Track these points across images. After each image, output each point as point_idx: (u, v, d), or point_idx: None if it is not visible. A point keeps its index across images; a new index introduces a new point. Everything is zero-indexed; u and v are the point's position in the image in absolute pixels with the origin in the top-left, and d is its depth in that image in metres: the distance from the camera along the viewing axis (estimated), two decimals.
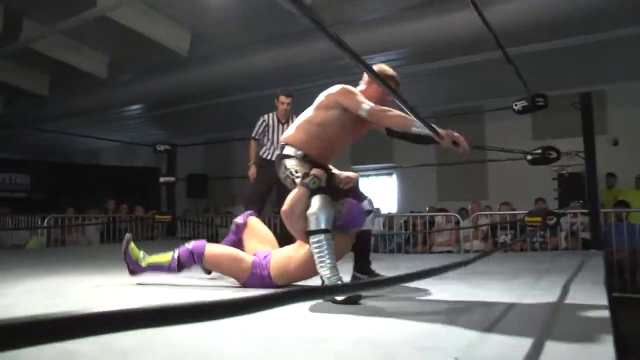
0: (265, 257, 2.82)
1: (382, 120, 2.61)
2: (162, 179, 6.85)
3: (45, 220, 7.47)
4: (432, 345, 1.58)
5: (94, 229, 8.11)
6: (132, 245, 2.91)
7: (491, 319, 1.90)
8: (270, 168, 2.84)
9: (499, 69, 5.70)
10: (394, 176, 10.88)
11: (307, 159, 2.70)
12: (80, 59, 8.55)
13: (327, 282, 2.41)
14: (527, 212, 5.05)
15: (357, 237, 2.85)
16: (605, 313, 1.95)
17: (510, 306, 2.14)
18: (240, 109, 10.30)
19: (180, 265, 2.84)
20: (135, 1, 6.39)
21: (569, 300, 2.27)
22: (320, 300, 2.32)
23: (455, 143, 2.49)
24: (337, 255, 2.75)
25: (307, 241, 2.53)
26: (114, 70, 9.00)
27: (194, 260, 2.83)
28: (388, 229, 7.69)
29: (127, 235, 2.96)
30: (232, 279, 2.97)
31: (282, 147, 2.76)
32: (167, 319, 0.68)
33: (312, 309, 2.19)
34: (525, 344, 1.51)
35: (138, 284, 3.00)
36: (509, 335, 1.65)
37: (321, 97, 2.75)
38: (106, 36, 7.94)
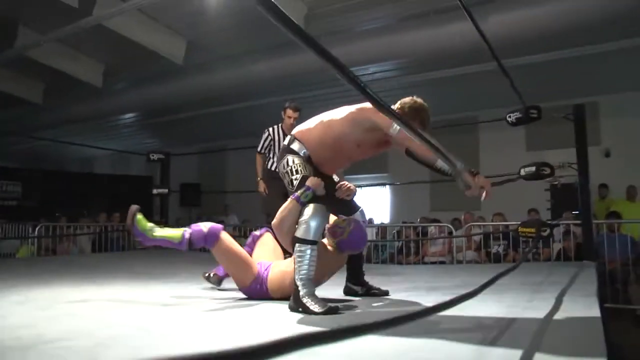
0: (266, 269, 2.81)
1: (409, 145, 2.55)
2: (155, 190, 6.82)
3: (37, 229, 7.41)
4: (424, 357, 1.57)
5: (86, 238, 8.05)
6: (140, 216, 2.75)
7: (484, 331, 1.89)
8: (280, 179, 2.80)
9: (493, 80, 5.75)
10: (387, 187, 10.89)
11: (310, 161, 2.67)
12: (75, 67, 8.54)
13: (300, 293, 2.39)
14: (520, 222, 5.06)
15: None
16: (598, 326, 1.95)
17: (504, 319, 2.14)
18: (234, 118, 10.32)
19: (190, 244, 2.73)
20: (131, 10, 6.38)
21: (562, 312, 2.26)
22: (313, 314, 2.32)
23: (481, 186, 2.44)
24: (331, 271, 2.75)
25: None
26: (109, 79, 9.00)
27: (205, 241, 2.72)
28: (381, 239, 7.68)
29: (134, 207, 2.77)
30: (225, 286, 2.97)
31: (292, 140, 2.70)
32: None
33: (300, 322, 2.18)
34: (517, 357, 1.51)
35: (128, 294, 2.98)
36: (502, 348, 1.64)
37: (352, 109, 2.64)
38: (102, 44, 7.94)
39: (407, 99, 2.69)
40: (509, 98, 4.78)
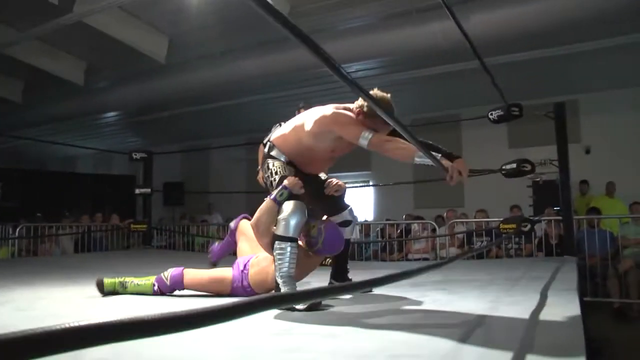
0: (244, 266, 2.81)
1: (382, 152, 2.50)
2: (137, 190, 6.77)
3: (17, 230, 7.30)
4: (407, 354, 1.58)
5: (68, 239, 7.95)
6: (106, 282, 2.87)
7: (466, 326, 1.91)
8: None
9: (475, 78, 5.81)
10: (371, 183, 10.92)
11: (292, 164, 2.70)
12: (56, 65, 8.42)
13: (282, 290, 2.40)
14: (502, 219, 5.12)
15: None
16: (578, 319, 1.98)
17: (486, 314, 2.16)
18: (217, 117, 10.27)
19: (162, 293, 2.82)
20: (112, 7, 6.32)
21: (543, 306, 2.30)
22: (296, 311, 2.32)
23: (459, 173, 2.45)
24: (304, 272, 2.76)
25: (271, 252, 2.51)
26: (91, 77, 8.89)
27: (175, 289, 2.82)
28: (364, 236, 7.71)
29: (96, 281, 2.88)
30: None
31: (271, 147, 2.73)
32: (138, 331, 0.67)
33: (286, 318, 2.18)
34: (499, 351, 1.53)
35: (111, 296, 2.95)
36: (483, 343, 1.66)
37: (312, 121, 2.58)
38: (83, 42, 7.84)
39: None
40: (491, 96, 4.84)
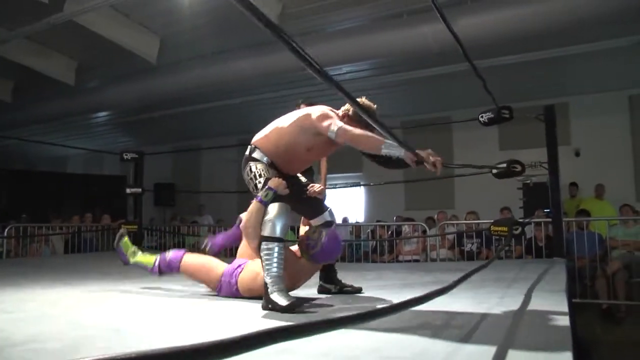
0: (239, 266, 2.82)
1: (348, 141, 2.57)
2: (128, 190, 6.73)
3: (5, 231, 7.22)
4: (398, 355, 1.59)
5: (58, 239, 7.89)
6: (126, 239, 3.17)
7: (456, 327, 1.93)
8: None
9: (466, 81, 5.83)
10: (362, 186, 10.94)
11: (274, 166, 2.72)
12: (46, 65, 8.36)
13: (270, 290, 2.40)
14: (492, 221, 5.14)
15: None
16: (566, 320, 2.00)
17: (476, 315, 2.18)
18: (209, 117, 10.25)
19: (160, 271, 2.98)
20: (103, 7, 6.28)
21: (532, 308, 2.32)
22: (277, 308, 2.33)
23: (433, 164, 2.47)
24: (305, 278, 2.77)
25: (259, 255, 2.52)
26: (81, 77, 8.83)
27: (172, 270, 2.95)
28: (355, 237, 7.72)
29: (122, 231, 3.21)
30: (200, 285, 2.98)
31: (252, 149, 2.75)
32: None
33: (275, 318, 2.19)
34: (488, 352, 1.54)
35: (100, 293, 2.94)
36: (473, 343, 1.67)
37: (299, 115, 2.71)
38: (74, 41, 7.78)
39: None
40: (482, 98, 4.86)
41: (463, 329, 1.90)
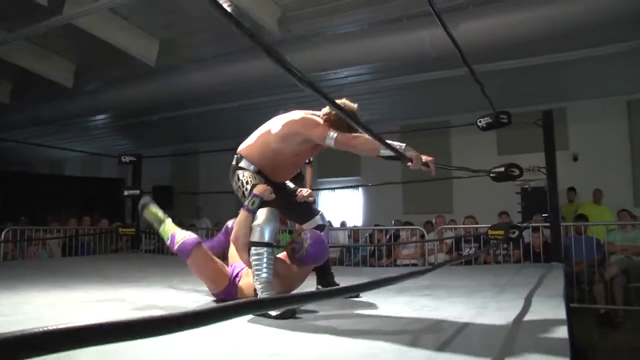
0: (239, 272, 2.81)
1: (349, 149, 2.60)
2: (126, 192, 6.72)
3: (2, 233, 7.21)
4: (393, 359, 1.59)
5: (56, 242, 7.87)
6: (152, 209, 2.90)
7: (453, 332, 1.92)
8: None
9: (465, 85, 5.84)
10: (360, 189, 10.95)
11: (261, 174, 2.72)
12: (45, 67, 8.36)
13: (259, 296, 2.40)
14: (490, 225, 5.14)
15: None
16: (564, 326, 2.00)
17: (472, 320, 2.17)
18: (207, 121, 10.26)
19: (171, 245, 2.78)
20: (102, 10, 6.29)
21: (530, 313, 2.31)
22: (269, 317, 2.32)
23: (425, 164, 2.53)
24: (297, 284, 2.76)
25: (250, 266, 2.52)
26: (80, 79, 8.83)
27: (181, 253, 2.72)
28: (353, 241, 7.71)
29: (143, 201, 2.95)
30: (196, 288, 2.95)
31: (239, 159, 2.76)
32: (117, 334, 0.67)
33: (271, 324, 2.18)
34: (484, 358, 1.54)
35: (97, 299, 2.94)
36: (469, 349, 1.67)
37: (281, 124, 2.68)
38: (72, 44, 7.79)
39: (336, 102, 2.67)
40: (480, 103, 4.86)
41: (459, 334, 1.90)
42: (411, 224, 7.41)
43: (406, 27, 6.35)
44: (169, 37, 7.50)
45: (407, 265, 6.45)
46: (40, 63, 8.26)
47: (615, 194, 7.96)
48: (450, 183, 9.39)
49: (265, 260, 2.43)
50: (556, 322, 2.06)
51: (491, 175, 4.72)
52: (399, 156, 2.43)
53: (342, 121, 2.57)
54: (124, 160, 6.71)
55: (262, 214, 2.48)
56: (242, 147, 2.80)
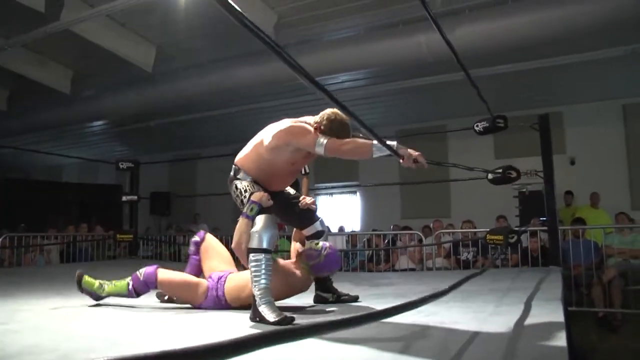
0: (219, 278, 2.81)
1: (340, 155, 2.60)
2: (124, 197, 6.72)
3: (0, 240, 7.18)
4: None
5: (55, 249, 7.85)
6: (86, 278, 2.93)
7: (451, 337, 1.92)
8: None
9: (461, 90, 5.86)
10: (358, 194, 10.96)
11: (258, 184, 2.71)
12: (42, 73, 8.35)
13: (258, 302, 2.40)
14: (488, 230, 5.15)
15: None
16: (562, 329, 1.99)
17: (471, 324, 2.17)
18: (205, 127, 10.26)
19: (137, 292, 2.86)
20: (99, 16, 6.29)
21: (528, 317, 2.31)
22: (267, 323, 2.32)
23: (414, 161, 2.55)
24: (295, 292, 2.78)
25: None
26: (77, 85, 8.83)
27: (148, 287, 2.84)
28: (351, 247, 7.70)
29: (77, 273, 2.95)
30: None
31: (236, 170, 2.76)
32: None
33: (262, 329, 2.17)
34: None
35: (95, 305, 2.93)
36: (468, 354, 1.67)
37: (270, 136, 2.65)
38: (70, 50, 7.79)
39: (327, 111, 2.67)
40: (477, 107, 4.88)
41: (459, 339, 1.90)
42: (410, 229, 7.42)
43: (403, 32, 6.37)
44: (166, 43, 7.50)
45: (405, 270, 6.45)
46: (38, 69, 8.24)
47: (612, 197, 7.98)
48: (447, 187, 9.40)
49: (263, 266, 2.43)
50: (555, 326, 2.06)
51: (489, 177, 4.73)
52: (392, 153, 2.46)
53: (333, 129, 2.58)
54: (121, 166, 6.71)
55: (260, 220, 2.48)
56: (239, 158, 2.80)
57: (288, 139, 2.61)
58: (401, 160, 2.53)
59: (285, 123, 2.68)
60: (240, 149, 2.85)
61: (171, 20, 6.61)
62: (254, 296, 2.43)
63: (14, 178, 13.16)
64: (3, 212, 10.40)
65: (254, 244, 2.45)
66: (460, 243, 6.57)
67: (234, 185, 2.72)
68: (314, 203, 3.00)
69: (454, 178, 7.42)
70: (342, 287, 3.13)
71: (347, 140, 2.57)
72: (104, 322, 2.49)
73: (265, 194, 2.56)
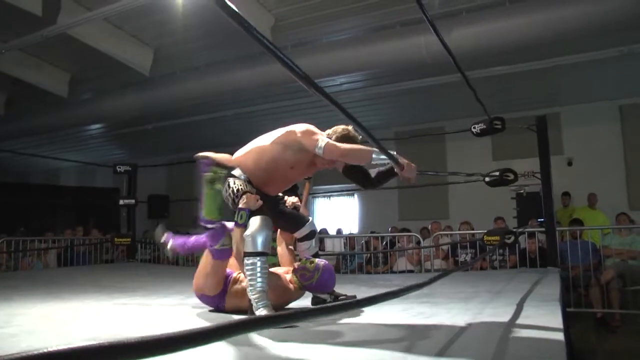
0: (227, 278, 2.79)
1: (339, 157, 2.59)
2: (121, 201, 6.71)
3: None
4: None
5: (53, 253, 7.83)
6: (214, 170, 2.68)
7: (450, 339, 1.92)
8: None
9: (459, 91, 5.86)
10: (356, 196, 10.95)
11: (251, 184, 2.69)
12: (39, 77, 8.34)
13: (254, 306, 2.39)
14: (486, 231, 5.15)
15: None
16: (560, 330, 2.00)
17: (469, 326, 2.17)
18: (203, 129, 10.25)
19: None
20: (96, 19, 6.28)
21: (527, 318, 2.31)
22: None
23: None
24: (289, 303, 2.77)
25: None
26: (74, 89, 8.82)
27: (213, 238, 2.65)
28: (349, 249, 7.69)
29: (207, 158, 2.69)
30: (191, 299, 2.94)
31: (232, 167, 2.75)
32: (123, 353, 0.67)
33: (267, 334, 2.17)
34: None
35: (92, 308, 2.92)
36: (466, 355, 1.67)
37: (281, 132, 2.68)
38: (67, 54, 7.78)
39: (340, 127, 2.74)
40: (474, 109, 4.89)
41: (457, 340, 1.90)
42: (409, 231, 7.41)
43: (400, 33, 6.38)
44: (164, 46, 7.50)
45: (403, 272, 6.44)
46: (35, 73, 8.23)
47: (610, 198, 7.99)
48: (445, 189, 9.41)
49: (259, 269, 2.40)
50: (553, 327, 2.06)
51: (486, 180, 4.74)
52: (392, 161, 2.49)
53: (344, 140, 2.63)
54: (119, 169, 6.70)
55: (253, 223, 2.46)
56: (236, 156, 2.79)
57: (296, 135, 2.61)
58: (400, 172, 2.57)
59: (301, 124, 2.69)
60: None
61: (168, 23, 6.61)
62: (249, 301, 2.41)
63: (12, 182, 13.14)
64: (1, 216, 10.39)
65: (248, 247, 2.43)
66: (459, 245, 6.57)
67: (227, 183, 2.66)
68: (298, 202, 3.01)
69: (451, 180, 7.42)
70: (340, 289, 3.12)
71: (347, 152, 2.57)
72: (101, 326, 2.48)
73: (253, 196, 2.52)
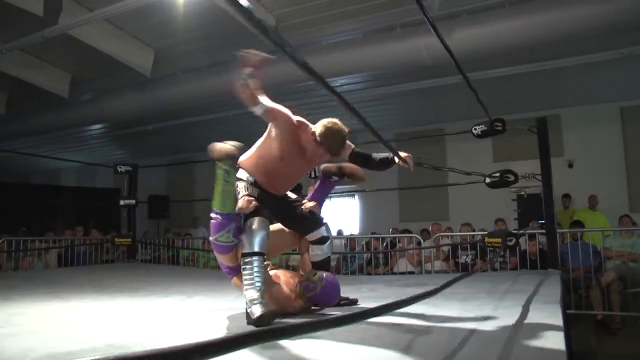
0: None
1: (242, 96, 2.70)
2: (122, 202, 6.70)
3: None
4: None
5: (54, 253, 7.83)
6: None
7: (450, 340, 1.92)
8: None
9: (460, 93, 5.87)
10: (356, 197, 10.95)
11: (256, 185, 2.70)
12: (40, 77, 8.34)
13: (251, 305, 2.38)
14: (487, 233, 5.15)
15: (317, 263, 2.89)
16: (560, 332, 1.99)
17: (469, 327, 2.17)
18: (203, 130, 10.25)
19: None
20: (98, 20, 6.29)
21: (527, 320, 2.31)
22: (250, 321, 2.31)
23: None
24: (289, 309, 2.72)
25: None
26: (75, 89, 8.82)
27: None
28: (350, 250, 7.69)
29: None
30: (193, 298, 2.92)
31: (238, 169, 2.74)
32: None
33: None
34: None
35: (92, 309, 2.92)
36: (466, 357, 1.66)
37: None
38: (68, 54, 7.79)
39: (325, 120, 2.70)
40: (476, 110, 4.88)
41: (457, 341, 1.90)
42: (409, 232, 7.41)
43: (401, 35, 6.38)
44: (165, 47, 7.50)
45: (404, 273, 6.44)
46: (36, 73, 8.24)
47: (611, 199, 7.99)
48: (446, 191, 9.41)
49: (255, 269, 2.41)
50: (553, 329, 2.06)
51: (487, 181, 4.74)
52: (392, 152, 2.68)
53: (323, 142, 2.64)
54: (119, 170, 6.70)
55: (250, 224, 2.47)
56: (241, 158, 2.78)
57: (270, 124, 2.70)
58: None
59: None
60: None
61: (170, 24, 6.61)
62: (246, 301, 2.41)
63: (12, 182, 13.14)
64: (1, 216, 10.39)
65: (245, 248, 2.45)
66: (459, 246, 6.57)
67: (237, 185, 2.66)
68: (316, 207, 2.94)
69: (452, 182, 7.42)
70: (342, 290, 3.12)
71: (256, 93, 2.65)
72: (102, 326, 2.48)
73: (246, 199, 2.49)
